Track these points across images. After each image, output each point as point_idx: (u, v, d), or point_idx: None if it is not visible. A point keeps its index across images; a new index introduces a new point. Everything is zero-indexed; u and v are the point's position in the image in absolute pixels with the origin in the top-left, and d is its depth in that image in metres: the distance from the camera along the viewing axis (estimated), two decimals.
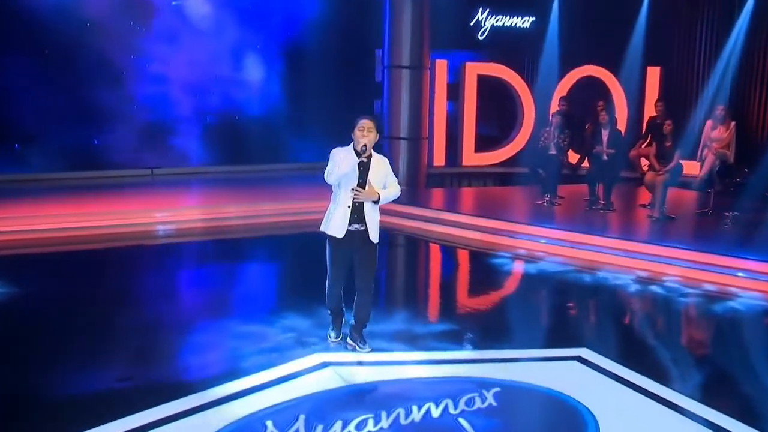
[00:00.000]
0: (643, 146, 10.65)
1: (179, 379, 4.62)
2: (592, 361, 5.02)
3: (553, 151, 10.54)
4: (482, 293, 7.11)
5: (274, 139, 13.75)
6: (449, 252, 8.99)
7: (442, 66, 13.38)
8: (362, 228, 4.73)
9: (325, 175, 4.69)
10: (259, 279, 7.62)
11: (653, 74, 13.97)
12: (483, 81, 13.77)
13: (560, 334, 5.87)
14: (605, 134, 10.04)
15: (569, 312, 6.65)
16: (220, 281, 7.26)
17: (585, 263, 8.00)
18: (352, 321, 5.11)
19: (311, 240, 8.62)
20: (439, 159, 13.55)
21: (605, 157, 9.98)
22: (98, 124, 12.21)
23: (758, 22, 12.48)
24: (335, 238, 4.77)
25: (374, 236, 4.77)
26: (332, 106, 14.00)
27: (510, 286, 7.53)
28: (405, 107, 12.33)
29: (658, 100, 10.63)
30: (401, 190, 5.00)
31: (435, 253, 9.03)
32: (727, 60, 12.14)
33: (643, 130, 11.32)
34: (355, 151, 4.63)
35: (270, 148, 13.69)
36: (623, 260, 8.00)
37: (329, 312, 5.15)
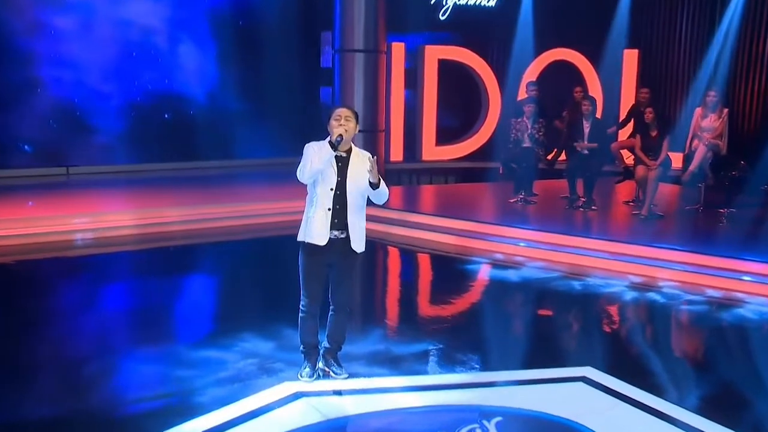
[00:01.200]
0: (627, 137, 10.67)
1: (116, 419, 4.29)
2: (599, 381, 4.89)
3: (527, 144, 10.50)
4: (462, 305, 6.97)
5: (210, 132, 13.44)
6: (417, 258, 8.87)
7: (399, 49, 13.25)
8: (343, 236, 4.55)
9: (298, 172, 4.48)
10: (207, 294, 7.31)
11: (631, 58, 14.08)
12: (444, 66, 13.69)
13: (559, 351, 5.74)
14: (586, 126, 10.02)
15: (565, 325, 6.55)
16: (160, 298, 6.93)
17: (571, 268, 7.98)
18: (326, 343, 4.90)
19: (265, 247, 8.99)
20: (397, 154, 13.49)
21: (586, 152, 9.92)
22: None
23: None
24: (315, 246, 4.53)
25: (358, 245, 4.58)
26: (273, 94, 13.79)
27: (492, 296, 7.41)
28: (359, 96, 12.20)
29: (642, 87, 10.65)
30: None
31: (401, 259, 8.89)
32: (722, 42, 12.28)
33: (621, 119, 11.37)
34: (330, 143, 4.40)
35: (205, 142, 13.36)
36: (613, 264, 7.96)
37: (302, 346, 4.81)
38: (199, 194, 10.87)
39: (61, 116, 12.27)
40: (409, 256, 8.97)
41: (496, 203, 10.84)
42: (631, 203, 10.51)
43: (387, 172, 12.80)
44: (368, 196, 4.64)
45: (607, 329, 6.50)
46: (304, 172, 4.46)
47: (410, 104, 13.65)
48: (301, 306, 4.71)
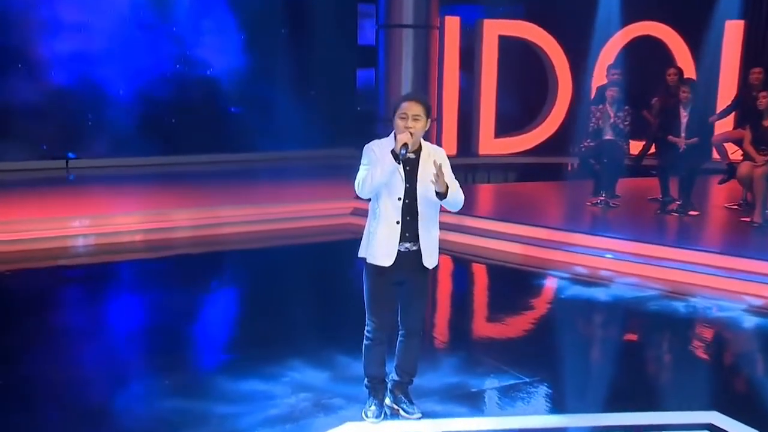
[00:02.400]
0: (732, 128, 10.43)
1: None
2: (729, 430, 4.72)
3: (609, 136, 10.32)
4: (545, 329, 6.82)
5: (227, 122, 13.53)
6: (479, 270, 8.77)
7: (453, 24, 13.21)
8: (415, 248, 4.45)
9: (357, 185, 4.36)
10: (242, 313, 7.19)
11: (734, 31, 13.67)
12: (506, 44, 13.66)
13: (672, 389, 5.52)
14: (684, 116, 9.80)
15: (675, 357, 6.34)
16: (184, 316, 6.85)
17: (671, 286, 7.89)
18: (394, 376, 4.81)
19: (303, 255, 9.07)
20: (450, 147, 13.62)
21: (683, 147, 9.75)
22: None
23: None
24: (381, 266, 4.44)
25: (430, 260, 4.49)
26: (300, 77, 13.78)
27: (580, 319, 7.24)
28: (406, 79, 12.49)
29: (754, 66, 10.38)
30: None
31: (460, 271, 8.77)
32: None
33: (721, 107, 11.11)
34: (393, 153, 4.26)
35: (222, 133, 13.44)
36: (724, 282, 7.77)
37: (366, 379, 4.73)
38: (218, 193, 10.89)
39: (60, 103, 12.44)
40: (469, 268, 8.87)
41: (570, 206, 10.76)
42: (736, 207, 10.28)
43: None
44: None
45: (726, 363, 6.30)
46: (364, 186, 4.31)
47: (466, 89, 13.60)
48: (366, 332, 4.60)
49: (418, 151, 4.42)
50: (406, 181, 4.38)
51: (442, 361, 5.67)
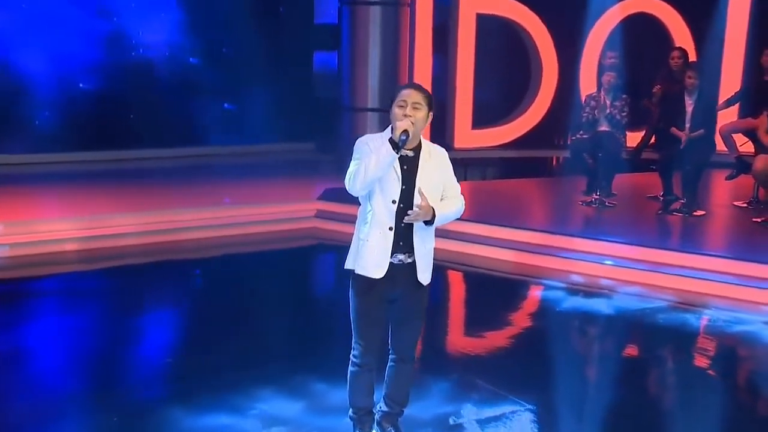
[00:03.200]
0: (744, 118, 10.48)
1: None
2: None
3: (604, 127, 10.32)
4: (543, 348, 6.77)
5: (168, 113, 13.31)
6: (467, 281, 8.74)
7: (426, 1, 13.06)
8: (410, 260, 4.43)
9: (347, 179, 4.31)
10: (196, 333, 7.00)
11: (739, 6, 13.62)
12: (485, 23, 13.61)
13: (689, 417, 5.52)
14: (689, 104, 9.80)
15: (691, 379, 6.28)
16: (130, 339, 6.73)
17: (680, 296, 7.93)
18: (383, 406, 4.76)
19: (269, 265, 8.96)
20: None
21: (685, 141, 9.77)
22: None
23: None
24: (371, 279, 4.39)
25: (424, 275, 4.48)
26: (247, 62, 13.68)
27: (582, 335, 7.27)
28: (374, 62, 12.40)
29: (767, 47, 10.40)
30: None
31: (446, 281, 8.74)
32: None
33: (736, 92, 11.12)
34: (391, 141, 4.22)
35: (165, 126, 13.28)
36: (740, 291, 7.81)
37: (352, 410, 4.69)
38: (161, 194, 10.71)
39: None
40: (453, 278, 8.83)
41: (561, 206, 10.79)
42: (745, 206, 10.37)
43: None
44: None
45: (749, 386, 6.33)
46: (355, 181, 4.27)
47: (439, 74, 13.51)
48: (352, 357, 4.54)
49: (417, 149, 4.37)
50: (403, 182, 4.33)
51: (432, 387, 5.62)
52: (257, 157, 13.85)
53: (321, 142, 14.53)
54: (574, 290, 8.12)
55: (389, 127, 4.33)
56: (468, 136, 13.74)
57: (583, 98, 10.83)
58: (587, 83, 12.94)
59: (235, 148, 13.96)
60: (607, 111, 10.26)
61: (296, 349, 6.23)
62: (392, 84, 12.25)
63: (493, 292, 8.34)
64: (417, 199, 4.30)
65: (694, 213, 9.88)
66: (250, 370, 5.80)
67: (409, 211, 4.27)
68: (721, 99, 10.77)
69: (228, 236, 9.70)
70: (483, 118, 13.89)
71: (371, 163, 4.21)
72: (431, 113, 4.38)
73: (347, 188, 4.32)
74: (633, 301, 7.79)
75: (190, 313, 7.53)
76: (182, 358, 6.27)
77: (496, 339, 7.05)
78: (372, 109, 12.45)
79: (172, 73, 13.70)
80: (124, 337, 6.74)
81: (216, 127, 13.53)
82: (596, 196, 10.43)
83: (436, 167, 4.40)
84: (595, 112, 10.31)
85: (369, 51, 12.11)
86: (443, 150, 4.50)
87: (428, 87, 13.07)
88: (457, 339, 7.18)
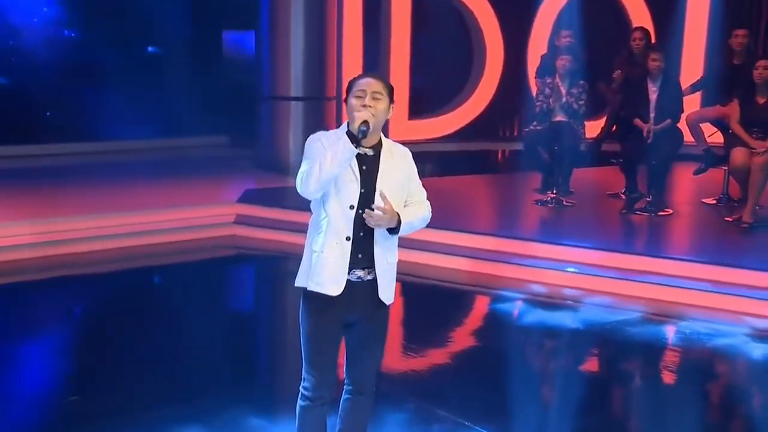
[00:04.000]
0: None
1: None
2: None
3: (560, 117, 10.39)
4: (507, 369, 6.75)
5: (59, 103, 13.41)
6: (416, 294, 8.69)
7: None
8: (370, 276, 4.38)
9: (299, 180, 4.22)
10: (103, 363, 6.76)
11: None
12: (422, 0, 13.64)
13: None
14: (654, 91, 9.90)
15: (670, 400, 6.29)
16: (20, 371, 6.56)
17: (652, 306, 8.01)
18: None
19: (184, 280, 8.78)
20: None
21: (649, 134, 9.85)
22: None
23: None
24: (326, 297, 4.31)
25: (387, 293, 4.45)
26: (143, 44, 13.51)
27: (548, 353, 7.28)
28: (297, 44, 12.16)
29: (737, 28, 10.49)
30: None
31: (396, 296, 8.57)
32: None
33: (701, 78, 11.25)
34: (350, 134, 4.16)
35: (55, 118, 13.02)
36: (719, 299, 7.89)
37: None
38: (55, 198, 10.50)
39: None
40: (402, 291, 8.67)
41: (513, 206, 10.85)
42: (715, 203, 10.54)
43: None
44: None
45: (735, 406, 6.35)
46: (308, 181, 4.19)
47: (371, 57, 13.47)
48: (302, 389, 4.44)
49: (377, 147, 4.32)
50: (362, 185, 4.27)
51: (387, 419, 5.57)
52: (163, 153, 13.77)
53: (236, 135, 14.41)
54: (534, 302, 8.20)
55: (345, 123, 4.28)
56: (404, 127, 13.65)
57: (534, 84, 10.83)
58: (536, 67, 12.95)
59: (139, 143, 13.87)
60: (563, 99, 10.32)
61: (225, 380, 6.10)
62: (318, 69, 12.28)
63: (446, 306, 8.32)
64: (379, 203, 4.25)
65: (661, 212, 10.00)
66: (173, 405, 5.71)
67: (369, 210, 4.20)
68: (684, 84, 10.82)
69: (134, 247, 9.57)
70: (421, 107, 13.90)
71: (327, 159, 4.13)
72: (392, 105, 4.35)
73: (299, 190, 4.23)
74: (601, 313, 7.87)
75: (95, 341, 7.27)
76: (90, 395, 6.04)
77: (454, 360, 7.06)
78: (295, 98, 12.29)
79: (63, 59, 13.50)
80: (16, 371, 6.55)
81: (115, 120, 13.35)
82: (552, 195, 10.52)
83: (398, 167, 4.36)
84: (550, 100, 10.36)
85: (291, 31, 11.94)
86: (406, 149, 4.45)
87: (358, 72, 13.28)
88: (410, 361, 7.04)
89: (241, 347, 6.97)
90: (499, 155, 14.64)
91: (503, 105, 13.79)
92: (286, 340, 7.23)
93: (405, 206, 4.38)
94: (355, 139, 4.12)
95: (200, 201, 10.53)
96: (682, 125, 10.14)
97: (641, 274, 8.34)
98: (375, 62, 13.53)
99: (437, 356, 7.12)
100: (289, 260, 8.89)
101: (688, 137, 10.59)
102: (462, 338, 7.58)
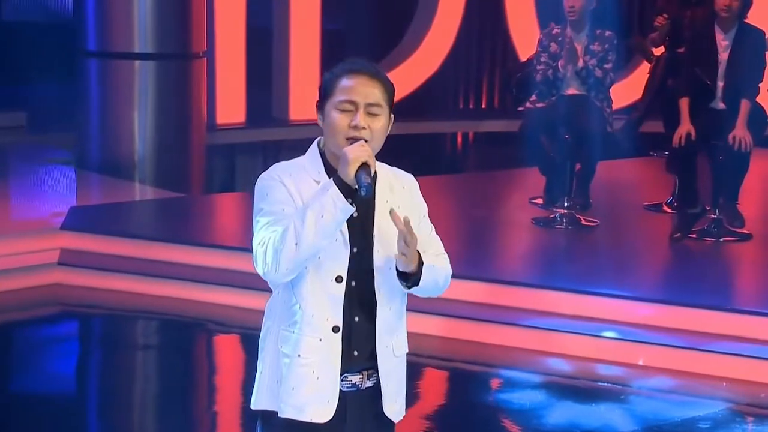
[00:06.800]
0: None
1: None
2: None
3: (574, 89, 10.41)
4: None
5: None
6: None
7: None
8: (369, 383, 4.48)
9: (260, 256, 4.31)
10: None
11: None
12: None
13: None
14: (723, 46, 9.84)
15: None
16: None
17: (741, 391, 8.09)
18: None
19: None
20: (232, 109, 14.11)
21: (722, 106, 9.87)
22: None
23: None
24: (307, 426, 4.43)
25: (394, 405, 4.54)
26: None
27: None
28: None
29: None
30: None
31: None
32: None
33: None
34: (339, 180, 4.24)
35: None
36: None
37: None
38: None
39: None
40: None
41: (501, 229, 11.18)
42: None
43: (213, 153, 13.57)
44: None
45: None
46: (278, 261, 4.24)
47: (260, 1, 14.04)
48: None
49: (372, 179, 4.32)
50: (352, 242, 4.30)
51: None
52: None
53: (39, 112, 14.34)
54: (554, 387, 8.37)
55: (314, 146, 4.34)
56: (311, 95, 13.63)
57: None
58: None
59: None
60: (579, 62, 10.25)
61: None
62: (182, 16, 12.34)
63: (416, 397, 8.29)
64: (381, 269, 4.36)
65: (733, 236, 10.04)
66: None
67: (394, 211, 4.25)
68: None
69: None
70: (339, 62, 13.84)
71: (307, 224, 4.13)
72: (392, 116, 4.40)
73: (260, 271, 4.30)
74: (662, 406, 7.99)
75: None
76: None
77: None
78: (141, 56, 12.42)
79: None
80: None
81: None
82: (563, 210, 10.45)
83: (403, 209, 4.35)
84: (558, 63, 10.30)
85: None
86: (410, 177, 4.55)
87: (241, 26, 13.52)
88: None
89: None
90: (465, 139, 14.61)
91: (469, 60, 13.71)
92: None
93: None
94: (353, 194, 4.11)
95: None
96: (764, 98, 10.17)
97: (719, 339, 8.39)
98: (266, 9, 13.70)
99: None
100: (151, 321, 8.70)
101: None
102: None
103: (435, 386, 8.70)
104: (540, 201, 10.83)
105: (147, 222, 11.27)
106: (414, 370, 8.48)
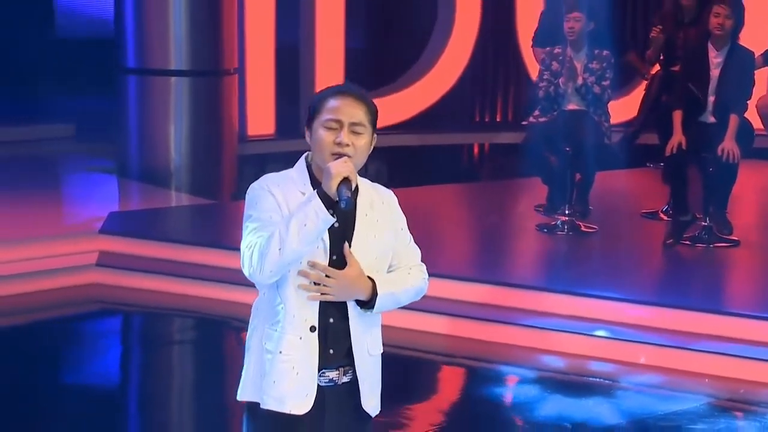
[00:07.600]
0: None
1: None
2: None
3: (574, 105, 10.50)
4: None
5: None
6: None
7: None
8: (346, 378, 4.54)
9: (247, 259, 4.38)
10: None
11: None
12: None
13: None
14: (716, 61, 9.96)
15: None
16: None
17: (723, 388, 8.06)
18: None
19: (31, 351, 8.86)
20: (262, 121, 14.02)
21: (712, 120, 9.94)
22: None
23: None
24: (288, 417, 4.46)
25: (371, 400, 4.61)
26: None
27: None
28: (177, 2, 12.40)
29: None
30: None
31: None
32: None
33: None
34: (323, 194, 4.29)
35: None
36: None
37: None
38: None
39: None
40: None
41: (506, 235, 11.14)
42: None
43: (246, 163, 13.25)
44: None
45: None
46: (263, 263, 4.31)
47: (286, 15, 13.75)
48: None
49: (353, 193, 4.37)
50: (332, 251, 4.39)
51: None
52: None
53: (87, 123, 14.45)
54: (548, 382, 8.30)
55: (302, 159, 4.42)
56: None
57: (535, 57, 10.86)
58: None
59: None
60: (578, 79, 10.37)
61: None
62: (213, 35, 12.37)
63: (417, 391, 8.37)
64: (362, 256, 4.39)
65: (722, 242, 10.09)
66: None
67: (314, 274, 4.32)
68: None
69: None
70: (361, 80, 13.88)
71: (291, 231, 4.23)
72: (374, 135, 4.45)
73: (246, 272, 4.35)
74: (648, 400, 8.01)
75: None
76: None
77: None
78: (176, 72, 12.42)
79: None
80: None
81: None
82: (564, 218, 10.55)
83: (383, 224, 4.48)
84: (560, 81, 10.41)
85: None
86: (389, 192, 4.60)
87: (270, 44, 13.54)
88: None
89: None
90: (481, 150, 14.74)
91: (483, 77, 13.83)
92: None
93: (389, 271, 4.53)
94: (334, 205, 4.22)
95: (39, 231, 10.56)
96: (751, 113, 10.29)
97: (705, 339, 8.35)
98: (294, 21, 13.62)
99: None
100: (184, 319, 8.86)
101: (757, 124, 10.78)
102: None
103: (439, 380, 8.66)
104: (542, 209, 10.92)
105: (181, 227, 11.40)
106: (421, 365, 8.66)
